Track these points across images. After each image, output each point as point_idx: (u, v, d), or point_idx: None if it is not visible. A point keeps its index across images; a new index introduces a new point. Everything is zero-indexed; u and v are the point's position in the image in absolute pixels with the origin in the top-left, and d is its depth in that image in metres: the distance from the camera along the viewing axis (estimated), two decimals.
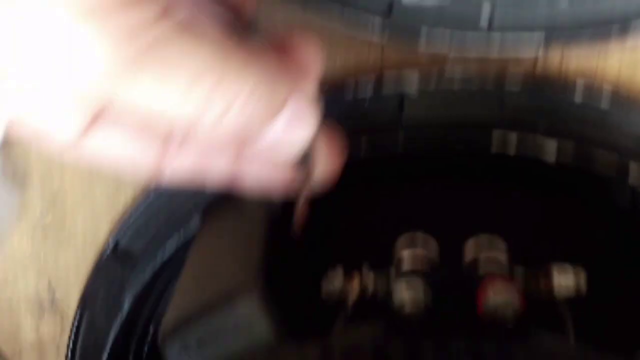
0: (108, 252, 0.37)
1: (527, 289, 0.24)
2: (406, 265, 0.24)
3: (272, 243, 0.27)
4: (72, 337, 0.38)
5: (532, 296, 0.24)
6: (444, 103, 0.31)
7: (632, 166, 0.30)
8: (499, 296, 0.23)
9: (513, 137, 0.31)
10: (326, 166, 0.25)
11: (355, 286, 0.25)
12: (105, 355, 0.37)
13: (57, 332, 0.41)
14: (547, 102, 0.30)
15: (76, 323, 0.38)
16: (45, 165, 0.38)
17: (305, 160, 0.23)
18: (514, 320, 0.23)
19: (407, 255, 0.26)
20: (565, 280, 0.23)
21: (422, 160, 0.33)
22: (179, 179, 0.25)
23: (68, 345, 0.38)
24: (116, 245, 0.37)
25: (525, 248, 0.29)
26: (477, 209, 0.31)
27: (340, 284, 0.25)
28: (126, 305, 0.36)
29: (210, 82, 0.19)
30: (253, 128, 0.21)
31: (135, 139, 0.23)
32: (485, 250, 0.27)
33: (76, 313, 0.38)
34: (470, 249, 0.27)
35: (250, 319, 0.24)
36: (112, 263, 0.37)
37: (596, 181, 0.30)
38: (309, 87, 0.23)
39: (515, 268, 0.24)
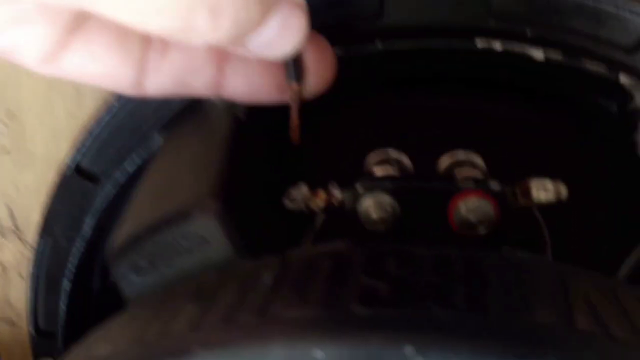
0: (68, 172, 0.35)
1: (505, 204, 0.22)
2: (375, 181, 0.23)
3: (234, 158, 0.25)
4: (35, 261, 0.37)
5: (509, 212, 0.23)
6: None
7: (623, 77, 0.28)
8: (471, 209, 0.22)
9: (497, 45, 0.28)
10: (318, 74, 0.24)
11: (319, 203, 0.23)
12: (68, 279, 0.35)
13: (20, 257, 0.40)
14: None
15: (38, 247, 0.37)
16: (1, 82, 0.36)
17: (296, 68, 0.23)
18: (486, 234, 0.22)
19: (376, 173, 0.25)
20: (544, 196, 0.22)
21: (399, 64, 0.31)
22: (161, 92, 0.23)
23: (31, 270, 0.37)
24: (77, 165, 0.35)
25: (505, 163, 0.28)
26: (455, 123, 0.29)
27: (303, 201, 0.23)
28: (88, 228, 0.35)
29: None
30: (242, 34, 0.20)
31: (114, 52, 0.22)
32: (460, 166, 0.25)
33: (38, 237, 0.37)
34: (445, 164, 0.26)
35: (206, 235, 0.22)
36: (73, 184, 0.35)
37: (584, 80, 0.28)
38: None
39: (492, 183, 0.22)
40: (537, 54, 0.28)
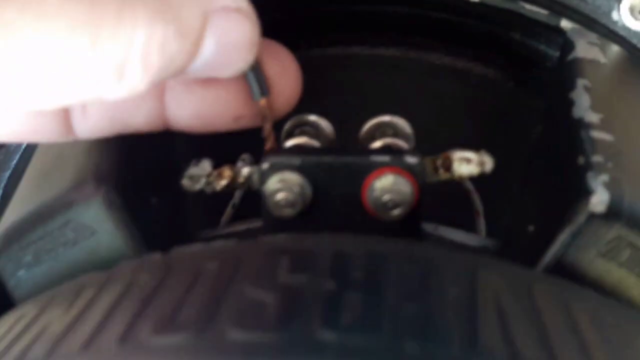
0: None
1: (426, 179, 0.20)
2: (281, 156, 0.20)
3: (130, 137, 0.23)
4: None
5: (433, 187, 0.21)
6: None
7: (565, 22, 0.26)
8: (387, 189, 0.19)
9: None
10: (283, 88, 0.21)
11: (222, 183, 0.21)
12: None
13: None
14: None
15: None
16: None
17: (259, 83, 0.20)
18: (401, 216, 0.20)
19: (289, 144, 0.22)
20: (467, 169, 0.20)
21: (325, 18, 0.28)
22: (97, 134, 0.21)
23: None
24: None
25: (436, 124, 0.26)
26: (386, 75, 0.27)
27: (206, 180, 0.21)
28: None
29: (83, 45, 0.16)
30: (177, 67, 0.18)
31: (33, 117, 0.20)
32: (384, 134, 0.23)
33: None
34: (368, 131, 0.23)
35: (93, 225, 0.20)
36: None
37: (523, 24, 0.25)
38: None
39: (408, 157, 0.20)
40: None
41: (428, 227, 0.22)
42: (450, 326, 0.14)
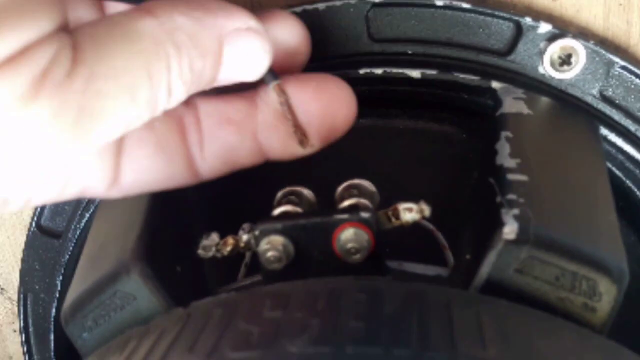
0: (32, 231, 0.40)
1: (382, 228, 0.27)
2: (268, 223, 0.27)
3: (158, 216, 0.30)
4: (22, 317, 0.42)
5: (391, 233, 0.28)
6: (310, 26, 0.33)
7: (495, 83, 0.32)
8: (349, 239, 0.26)
9: (378, 70, 0.33)
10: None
11: (227, 249, 0.28)
12: (52, 331, 0.41)
13: (10, 314, 0.45)
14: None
15: (22, 304, 0.42)
16: None
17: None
18: (362, 259, 0.26)
19: (276, 212, 0.29)
20: (411, 216, 0.26)
21: None
22: (214, 174, 0.28)
23: (20, 326, 0.43)
24: (38, 224, 0.40)
25: (405, 182, 0.32)
26: (360, 151, 0.34)
27: (215, 248, 0.28)
28: (58, 282, 0.40)
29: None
30: (204, 78, 0.24)
31: (159, 158, 0.27)
32: (350, 196, 0.29)
33: (19, 294, 0.42)
34: (340, 194, 0.30)
35: (133, 292, 0.28)
36: (38, 241, 0.40)
37: (460, 89, 0.32)
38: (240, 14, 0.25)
39: (363, 213, 0.26)
40: (415, 73, 0.32)
41: (393, 264, 0.28)
42: (380, 333, 0.20)
